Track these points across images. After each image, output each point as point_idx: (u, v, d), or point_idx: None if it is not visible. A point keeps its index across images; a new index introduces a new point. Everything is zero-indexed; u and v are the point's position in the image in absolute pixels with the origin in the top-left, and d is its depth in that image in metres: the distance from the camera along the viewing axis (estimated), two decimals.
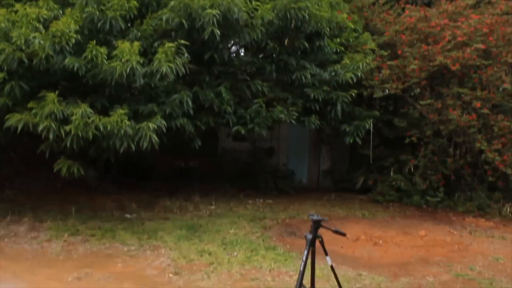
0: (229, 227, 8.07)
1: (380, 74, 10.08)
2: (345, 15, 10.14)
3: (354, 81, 9.72)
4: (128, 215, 8.58)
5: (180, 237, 7.28)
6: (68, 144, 6.87)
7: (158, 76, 7.38)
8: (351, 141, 10.09)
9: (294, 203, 10.44)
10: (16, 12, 7.28)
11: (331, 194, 11.36)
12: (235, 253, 6.66)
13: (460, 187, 10.30)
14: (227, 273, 5.93)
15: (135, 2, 7.76)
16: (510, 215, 9.38)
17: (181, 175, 12.50)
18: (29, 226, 7.62)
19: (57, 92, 7.04)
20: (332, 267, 3.22)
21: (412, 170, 10.55)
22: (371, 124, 9.99)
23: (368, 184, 11.23)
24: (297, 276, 5.73)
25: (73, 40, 7.10)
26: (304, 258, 3.09)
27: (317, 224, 3.21)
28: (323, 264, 5.76)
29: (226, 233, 7.73)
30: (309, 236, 3.14)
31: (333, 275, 5.61)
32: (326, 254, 3.20)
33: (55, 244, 6.84)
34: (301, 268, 3.04)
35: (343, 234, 3.26)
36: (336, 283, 5.50)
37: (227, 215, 8.96)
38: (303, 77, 9.46)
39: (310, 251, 3.18)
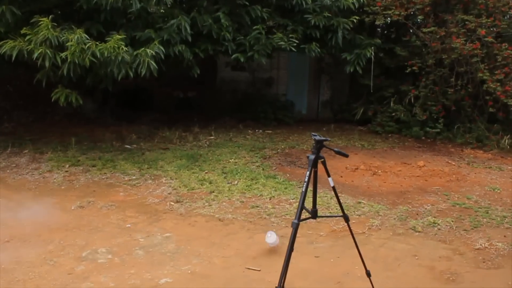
0: (229, 156, 8.08)
1: (383, 0, 9.75)
2: None
3: (356, 7, 9.43)
4: (128, 146, 8.57)
5: (181, 167, 7.31)
6: (65, 72, 6.72)
7: (154, 1, 7.10)
8: (351, 70, 9.93)
9: (294, 133, 10.43)
10: None
11: (330, 125, 11.34)
12: (236, 182, 6.70)
13: (459, 119, 10.26)
14: (227, 201, 6.00)
15: None
16: (508, 147, 9.40)
17: (180, 106, 12.41)
18: (30, 158, 7.62)
19: (51, 17, 6.79)
20: (334, 188, 3.21)
21: (413, 101, 10.46)
22: (372, 53, 9.79)
23: (368, 115, 11.18)
24: (297, 204, 5.83)
25: None
26: (306, 179, 3.08)
27: (319, 144, 3.17)
28: (323, 192, 5.86)
29: (226, 162, 7.76)
30: (312, 157, 3.10)
31: (332, 203, 5.74)
32: (329, 175, 3.19)
33: (57, 175, 6.86)
34: (303, 189, 3.03)
35: (346, 155, 3.24)
36: (335, 209, 5.61)
37: (227, 145, 8.96)
38: (303, 3, 9.16)
39: (312, 172, 3.14)
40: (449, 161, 8.45)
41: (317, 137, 3.18)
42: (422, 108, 10.31)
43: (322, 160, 3.18)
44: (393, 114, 10.73)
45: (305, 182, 3.11)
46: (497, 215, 5.71)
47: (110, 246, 4.60)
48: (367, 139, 10.22)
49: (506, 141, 9.59)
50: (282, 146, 9.14)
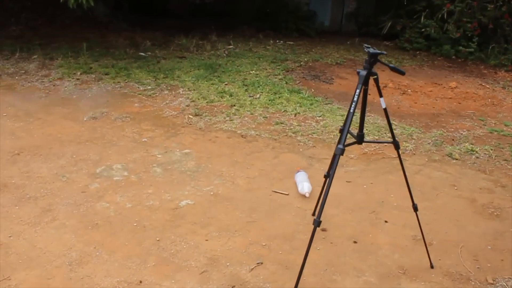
0: (250, 67, 7.58)
1: None
2: None
3: None
4: (142, 53, 8.06)
5: (199, 77, 6.85)
6: None
7: None
8: None
9: (316, 46, 9.80)
10: None
11: (355, 39, 10.65)
12: (258, 96, 6.27)
13: (495, 38, 9.52)
14: (250, 115, 5.60)
15: None
16: None
17: (195, 13, 11.67)
18: (39, 64, 7.18)
19: None
20: (385, 110, 2.78)
21: (445, 16, 9.66)
22: None
23: (395, 30, 10.43)
24: (324, 122, 5.42)
25: None
26: (355, 98, 2.64)
27: (373, 58, 2.69)
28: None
29: (246, 74, 7.27)
30: (363, 73, 2.64)
31: (372, 126, 5.32)
32: (381, 95, 2.75)
33: (68, 83, 6.46)
34: (351, 109, 2.60)
35: (402, 73, 2.76)
36: (376, 133, 5.21)
37: (247, 55, 8.41)
38: None
39: (362, 91, 2.70)
40: (483, 84, 7.89)
41: (371, 50, 2.69)
42: (456, 25, 9.54)
43: (375, 77, 2.71)
44: (423, 30, 10.00)
45: (353, 101, 2.67)
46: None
47: (125, 162, 4.28)
48: (394, 55, 9.59)
49: None
50: (305, 59, 8.58)
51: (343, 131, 2.72)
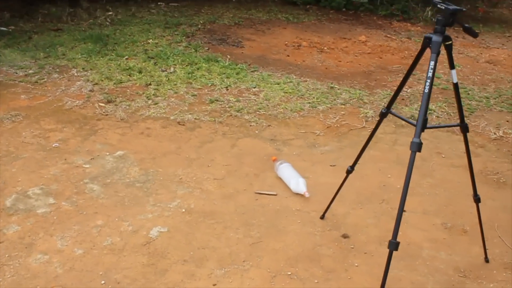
0: (145, 36, 6.40)
1: None
2: None
3: None
4: (3, 28, 6.34)
5: (90, 52, 5.54)
6: None
7: None
8: None
9: (203, 5, 8.79)
10: None
11: None
12: (171, 69, 5.22)
13: None
14: (175, 95, 4.58)
15: None
16: (432, 19, 8.86)
17: None
18: None
19: None
20: (456, 85, 2.09)
21: None
22: None
23: None
24: (264, 94, 4.63)
25: None
26: (429, 73, 1.89)
27: (453, 17, 1.95)
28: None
29: (144, 43, 6.12)
30: (436, 38, 1.90)
31: (321, 92, 4.64)
32: (453, 66, 2.03)
33: None
34: (426, 88, 1.87)
35: (475, 35, 2.07)
36: (332, 100, 4.55)
37: (133, 22, 7.15)
38: None
39: (436, 61, 1.97)
40: (388, 35, 7.67)
41: (451, 7, 1.94)
42: None
43: (450, 42, 1.98)
44: None
45: (428, 78, 1.92)
46: (480, 96, 5.12)
47: (43, 182, 3.09)
48: (287, 11, 8.98)
49: (429, 12, 9.05)
50: (201, 21, 7.58)
51: (419, 119, 1.95)
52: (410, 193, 3.10)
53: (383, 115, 2.33)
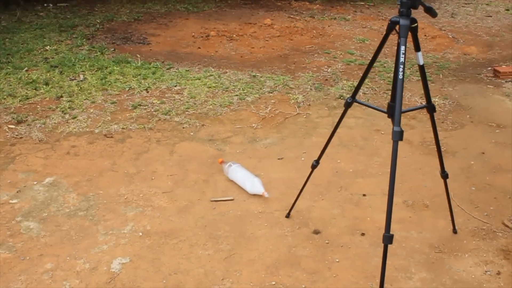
0: (40, 43, 5.84)
1: None
2: None
3: None
4: None
5: None
6: None
7: None
8: None
9: (95, 3, 8.24)
10: None
11: None
12: (81, 77, 4.81)
13: None
14: (92, 105, 4.23)
15: None
16: None
17: None
18: None
19: None
20: (422, 67, 2.06)
21: None
22: None
23: None
24: (187, 92, 4.43)
25: None
26: (401, 58, 1.84)
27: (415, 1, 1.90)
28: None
29: (43, 51, 5.58)
30: (404, 22, 1.84)
31: (244, 82, 4.51)
32: (419, 49, 1.99)
33: None
34: (400, 74, 1.82)
35: (435, 15, 2.04)
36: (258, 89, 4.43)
37: (22, 28, 6.50)
38: None
39: (405, 45, 1.91)
40: (291, 16, 7.70)
41: None
42: None
43: (415, 25, 1.93)
44: None
45: (400, 63, 1.86)
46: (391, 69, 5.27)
47: None
48: (186, 1, 8.70)
49: None
50: (98, 20, 7.09)
51: (394, 107, 1.89)
52: (364, 176, 3.11)
53: (348, 105, 2.25)
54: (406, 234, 2.61)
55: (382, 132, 3.79)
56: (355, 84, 4.56)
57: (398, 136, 1.88)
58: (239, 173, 3.03)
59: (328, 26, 7.07)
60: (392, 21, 1.92)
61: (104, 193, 2.99)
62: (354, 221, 2.72)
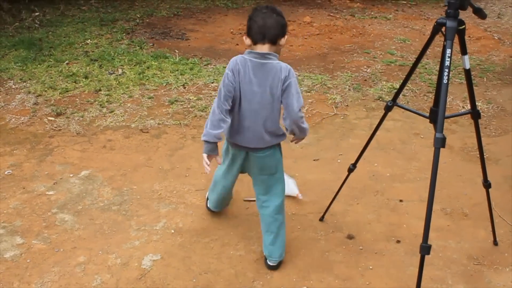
0: (82, 37, 5.93)
1: None
2: None
3: None
4: None
5: (25, 60, 5.05)
6: None
7: None
8: None
9: None
10: None
11: None
12: (119, 71, 4.85)
13: None
14: (130, 99, 4.25)
15: None
16: None
17: None
18: None
19: None
20: (469, 71, 1.96)
21: None
22: None
23: None
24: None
25: None
26: (446, 62, 1.75)
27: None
28: None
29: (83, 45, 5.66)
30: (451, 23, 1.75)
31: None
32: (465, 52, 1.89)
33: None
34: (444, 79, 1.73)
35: (485, 16, 1.94)
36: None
37: (64, 22, 6.62)
38: None
39: (452, 48, 1.82)
40: (331, 14, 7.58)
41: None
42: None
43: (463, 27, 1.84)
44: None
45: (445, 67, 1.77)
46: (437, 69, 5.07)
47: (5, 219, 2.73)
48: None
49: None
50: (138, 15, 7.15)
51: (437, 112, 1.81)
52: (401, 180, 3.01)
53: (388, 108, 2.18)
54: (444, 244, 2.52)
55: (422, 136, 3.67)
56: (395, 85, 4.46)
57: (440, 143, 1.79)
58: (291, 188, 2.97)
59: (369, 25, 6.92)
60: (438, 22, 1.83)
61: (138, 188, 3.00)
62: (389, 227, 2.64)
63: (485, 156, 3.18)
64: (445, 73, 1.81)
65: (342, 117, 3.99)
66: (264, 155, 2.17)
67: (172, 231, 2.61)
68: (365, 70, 5.06)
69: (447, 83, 1.82)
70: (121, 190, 2.98)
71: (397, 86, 4.44)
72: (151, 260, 2.40)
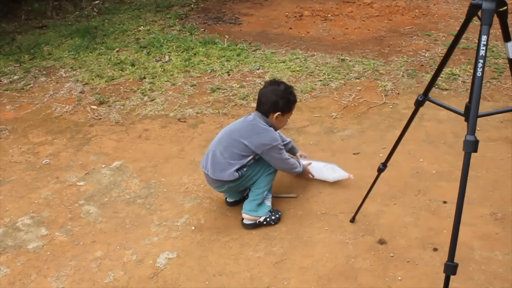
0: (135, 23, 5.96)
1: None
2: None
3: None
4: None
5: (78, 48, 5.13)
6: None
7: None
8: None
9: None
10: None
11: None
12: (166, 58, 4.80)
13: None
14: (172, 87, 4.18)
15: None
16: None
17: None
18: None
19: None
20: None
21: None
22: None
23: None
24: (269, 75, 4.20)
25: None
26: (481, 51, 1.47)
27: None
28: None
29: (136, 32, 5.67)
30: (488, 4, 1.47)
31: (331, 66, 4.21)
32: (509, 38, 1.59)
33: None
34: (478, 72, 1.46)
35: None
36: (345, 74, 4.12)
37: (122, 9, 6.70)
38: None
39: (488, 35, 1.54)
40: None
41: None
42: None
43: (505, 8, 1.54)
44: None
45: (479, 58, 1.49)
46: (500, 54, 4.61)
47: (34, 209, 2.77)
48: None
49: None
50: (193, 0, 7.06)
51: (472, 111, 1.54)
52: (448, 179, 2.72)
53: (419, 104, 1.93)
54: (489, 255, 2.23)
55: (478, 129, 3.31)
56: (454, 71, 4.09)
57: (471, 147, 1.54)
58: (314, 165, 2.79)
59: (434, 4, 6.43)
60: (473, 4, 1.56)
61: (166, 181, 2.92)
62: (427, 233, 2.38)
63: None
64: (480, 64, 1.53)
65: (391, 106, 3.70)
66: None
67: (193, 227, 2.51)
68: (423, 54, 4.68)
69: (482, 76, 1.54)
70: (149, 182, 2.92)
71: (457, 71, 4.06)
72: (166, 258, 2.31)
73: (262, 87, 2.48)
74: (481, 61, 1.53)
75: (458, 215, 1.56)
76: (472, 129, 1.54)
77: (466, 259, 2.20)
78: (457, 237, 1.57)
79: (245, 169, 2.41)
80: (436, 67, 4.15)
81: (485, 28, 1.53)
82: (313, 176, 2.77)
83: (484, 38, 1.52)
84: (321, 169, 2.77)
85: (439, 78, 3.89)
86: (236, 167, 2.37)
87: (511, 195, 2.61)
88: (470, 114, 1.55)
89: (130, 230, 2.52)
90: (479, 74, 1.53)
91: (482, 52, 1.53)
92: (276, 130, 2.52)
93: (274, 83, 2.46)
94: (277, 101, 2.40)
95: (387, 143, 3.20)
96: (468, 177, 2.71)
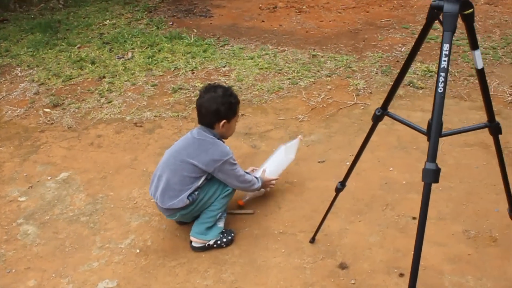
0: (101, 17, 5.66)
1: None
2: None
3: None
4: None
5: (38, 45, 4.84)
6: None
7: None
8: None
9: None
10: None
11: None
12: (129, 55, 4.52)
13: None
14: (132, 88, 3.93)
15: None
16: None
17: None
18: None
19: None
20: (482, 71, 1.44)
21: None
22: None
23: None
24: (235, 73, 3.97)
25: None
26: (443, 59, 1.25)
27: None
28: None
29: (101, 26, 5.38)
30: (450, 6, 1.25)
31: (302, 63, 3.99)
32: (476, 46, 1.39)
33: None
34: (440, 87, 1.24)
35: None
36: (315, 71, 3.89)
37: (89, 1, 6.38)
38: None
39: (451, 43, 1.31)
40: None
41: None
42: None
43: (471, 11, 1.32)
44: None
45: (444, 57, 1.28)
46: (485, 46, 4.45)
47: None
48: None
49: None
50: None
51: (432, 133, 1.32)
52: (419, 190, 2.48)
53: (377, 118, 1.70)
54: (460, 280, 2.03)
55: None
56: (430, 67, 3.88)
57: (431, 177, 1.31)
58: (269, 166, 2.57)
59: None
60: (433, 5, 1.33)
61: (115, 195, 2.68)
62: (394, 255, 2.17)
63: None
64: (441, 79, 1.31)
65: (362, 107, 3.48)
66: None
67: (138, 250, 2.28)
68: (399, 49, 4.46)
69: (443, 93, 1.32)
70: (96, 197, 2.67)
71: (434, 69, 3.85)
72: (105, 287, 2.07)
73: (198, 97, 2.26)
74: (443, 74, 1.32)
75: (417, 253, 1.35)
76: (433, 155, 1.32)
77: (435, 286, 1.99)
78: (417, 276, 1.35)
79: (196, 193, 2.17)
80: (423, 70, 3.94)
81: (447, 35, 1.30)
82: (277, 178, 2.55)
83: (446, 47, 1.30)
84: (277, 162, 2.55)
85: (414, 75, 3.69)
86: (188, 192, 2.13)
87: (485, 210, 2.42)
88: (431, 137, 1.32)
89: (69, 254, 2.28)
90: (440, 90, 1.32)
91: (444, 64, 1.31)
92: (227, 138, 2.31)
93: (210, 89, 2.22)
94: (218, 109, 2.18)
95: (355, 150, 2.96)
96: (442, 189, 2.51)
